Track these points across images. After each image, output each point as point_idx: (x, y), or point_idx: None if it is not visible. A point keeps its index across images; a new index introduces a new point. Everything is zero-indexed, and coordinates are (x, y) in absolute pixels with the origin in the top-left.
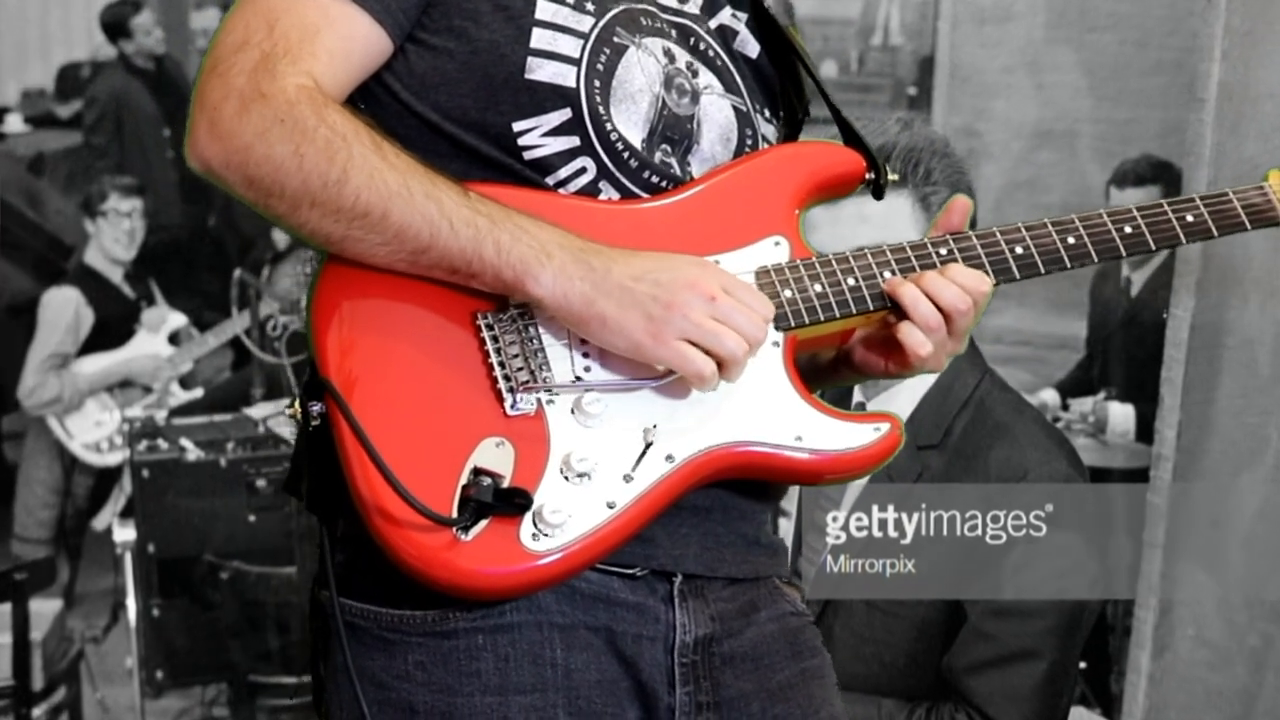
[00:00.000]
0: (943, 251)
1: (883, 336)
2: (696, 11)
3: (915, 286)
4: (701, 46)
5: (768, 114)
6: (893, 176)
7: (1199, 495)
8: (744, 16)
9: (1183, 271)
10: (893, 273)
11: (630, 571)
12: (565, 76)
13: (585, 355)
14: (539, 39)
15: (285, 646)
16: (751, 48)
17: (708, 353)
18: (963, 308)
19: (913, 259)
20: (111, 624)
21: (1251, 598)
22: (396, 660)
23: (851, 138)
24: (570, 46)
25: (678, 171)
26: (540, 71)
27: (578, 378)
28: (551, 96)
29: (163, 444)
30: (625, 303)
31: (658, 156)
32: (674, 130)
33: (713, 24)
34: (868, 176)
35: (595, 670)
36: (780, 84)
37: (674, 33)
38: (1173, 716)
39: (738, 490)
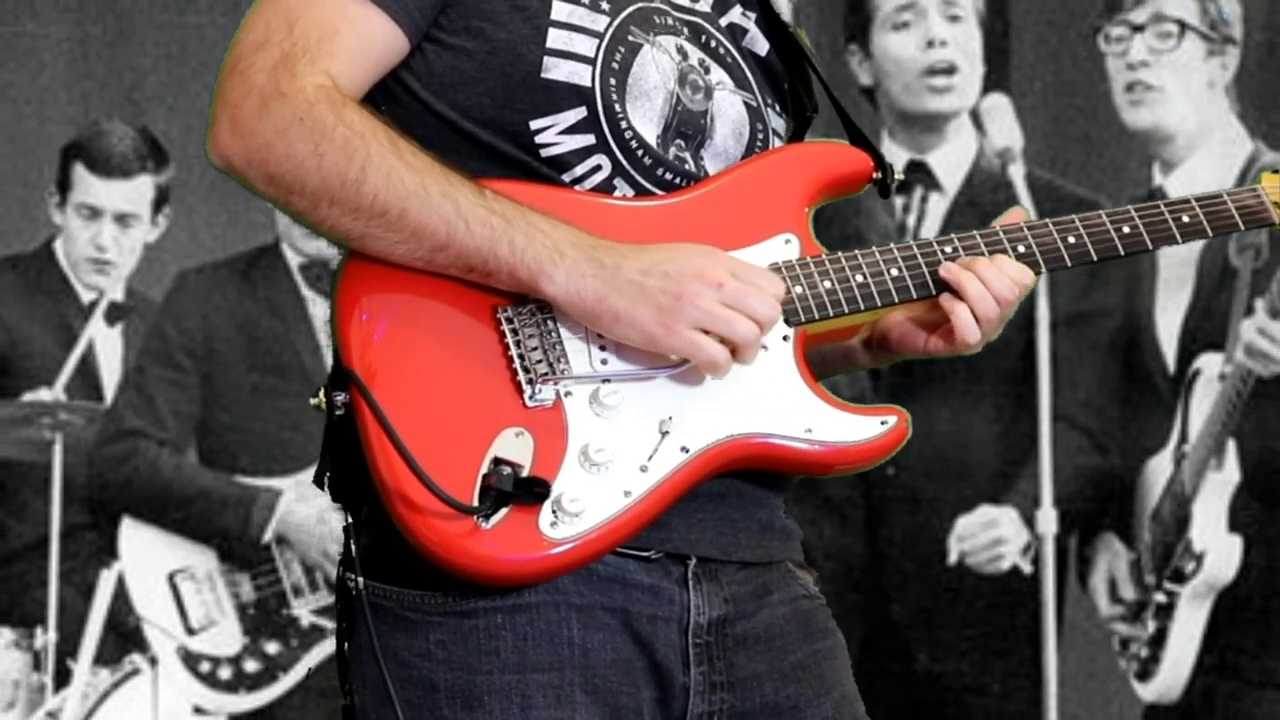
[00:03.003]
0: (947, 250)
1: (928, 319)
2: (708, 10)
3: (976, 276)
4: (713, 44)
5: (778, 109)
6: (899, 176)
7: None
8: (753, 15)
9: None
10: (899, 270)
11: (646, 554)
12: (581, 75)
13: (602, 348)
14: (555, 39)
15: None
16: (760, 45)
17: (721, 338)
18: (1010, 298)
19: (918, 256)
20: None
21: None
22: (418, 639)
23: (858, 137)
24: (586, 46)
25: (691, 167)
26: (556, 70)
27: (594, 369)
28: (568, 95)
29: None
30: (636, 297)
31: (672, 152)
32: (688, 126)
33: (723, 22)
34: (875, 175)
35: (611, 650)
36: (789, 81)
37: (686, 30)
38: None
39: (751, 478)
